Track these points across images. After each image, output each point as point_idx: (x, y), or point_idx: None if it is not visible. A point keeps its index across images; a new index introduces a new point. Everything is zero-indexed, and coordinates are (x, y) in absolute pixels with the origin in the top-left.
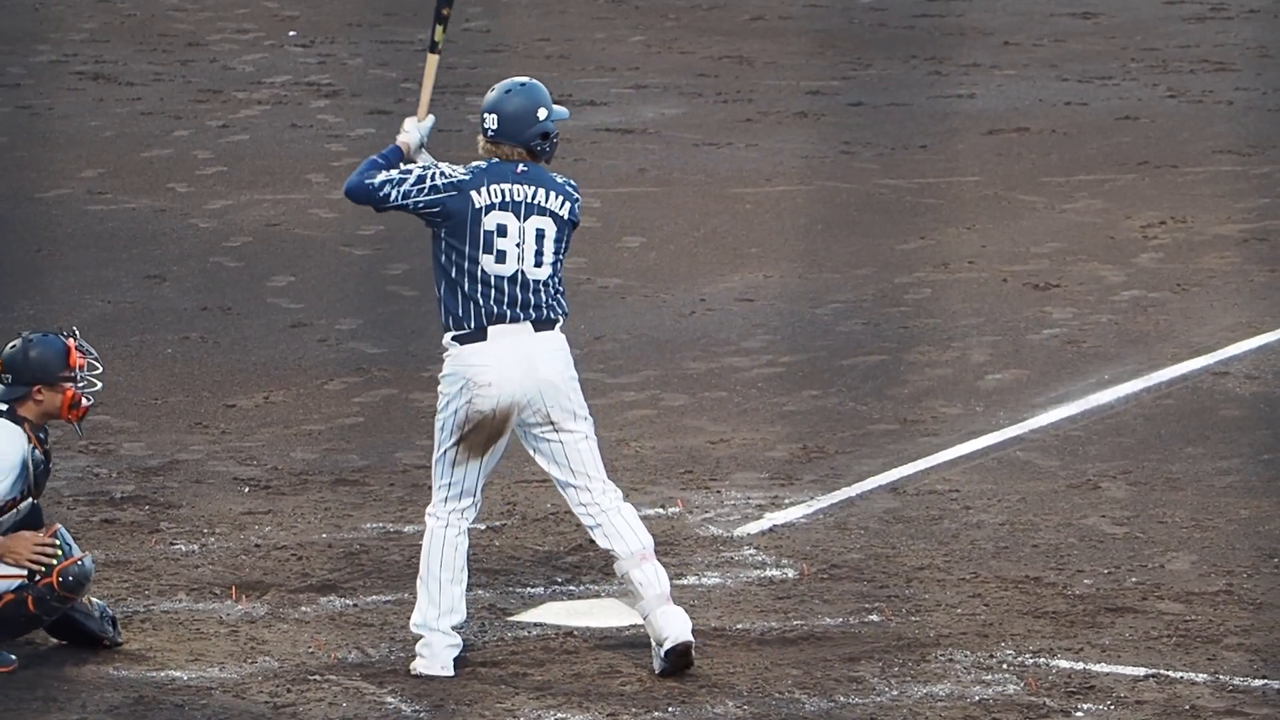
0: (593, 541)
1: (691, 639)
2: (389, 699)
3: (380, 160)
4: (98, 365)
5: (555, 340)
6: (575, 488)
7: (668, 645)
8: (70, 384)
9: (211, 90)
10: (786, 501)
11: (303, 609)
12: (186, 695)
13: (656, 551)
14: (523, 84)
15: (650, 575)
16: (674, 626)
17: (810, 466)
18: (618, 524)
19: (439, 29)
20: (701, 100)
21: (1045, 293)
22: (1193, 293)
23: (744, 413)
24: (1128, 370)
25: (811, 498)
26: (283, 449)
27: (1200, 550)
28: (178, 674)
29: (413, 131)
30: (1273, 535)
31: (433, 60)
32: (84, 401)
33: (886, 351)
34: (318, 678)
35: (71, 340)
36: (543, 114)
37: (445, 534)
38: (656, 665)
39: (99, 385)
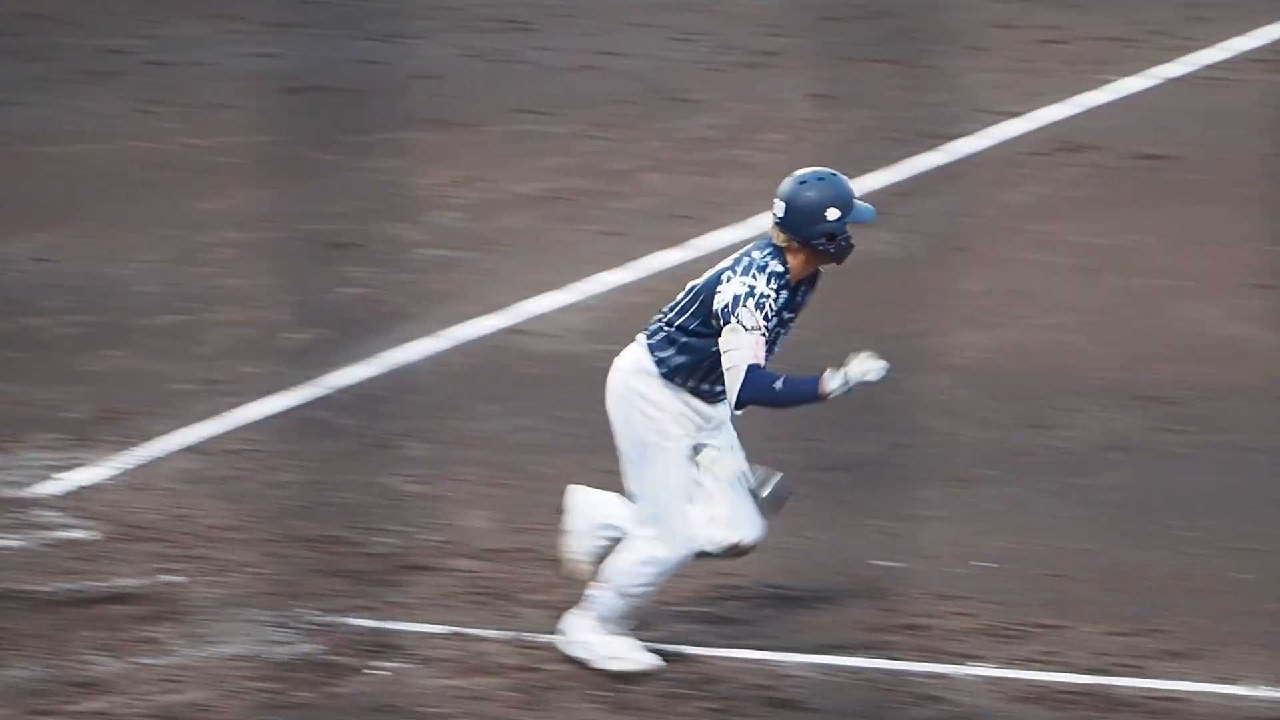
0: None
1: None
2: None
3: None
4: None
5: None
6: None
7: None
8: None
9: None
10: (87, 462)
11: None
12: None
13: None
14: (820, 177)
15: None
16: None
17: (111, 427)
18: None
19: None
20: None
21: (345, 251)
22: (494, 251)
23: (43, 373)
24: (427, 328)
25: (112, 458)
26: None
27: (501, 508)
28: None
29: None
30: None
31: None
32: None
33: (189, 312)
34: None
35: None
36: (833, 214)
37: None
38: None
39: None
